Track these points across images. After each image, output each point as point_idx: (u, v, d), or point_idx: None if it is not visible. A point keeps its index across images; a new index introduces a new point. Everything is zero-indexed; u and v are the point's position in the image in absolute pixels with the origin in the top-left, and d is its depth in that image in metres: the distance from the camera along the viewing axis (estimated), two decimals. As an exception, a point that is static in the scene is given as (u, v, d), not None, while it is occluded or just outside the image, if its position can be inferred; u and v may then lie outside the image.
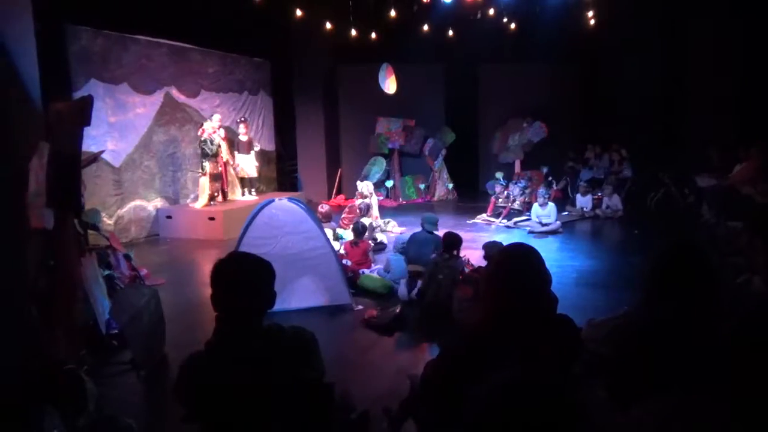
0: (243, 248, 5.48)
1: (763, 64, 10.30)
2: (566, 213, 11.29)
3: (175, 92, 10.65)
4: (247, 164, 11.36)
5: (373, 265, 7.20)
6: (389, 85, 13.07)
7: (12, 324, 3.24)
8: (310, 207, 6.83)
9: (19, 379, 2.80)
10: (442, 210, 12.72)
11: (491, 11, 10.99)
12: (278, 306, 2.15)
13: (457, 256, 5.83)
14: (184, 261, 8.62)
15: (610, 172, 12.80)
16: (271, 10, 9.83)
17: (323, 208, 8.89)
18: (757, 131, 9.17)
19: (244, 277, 2.05)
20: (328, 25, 10.82)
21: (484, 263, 5.73)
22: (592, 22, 11.02)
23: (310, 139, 14.23)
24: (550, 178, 12.89)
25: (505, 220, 10.78)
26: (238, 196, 11.29)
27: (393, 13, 10.13)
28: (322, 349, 2.23)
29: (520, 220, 10.61)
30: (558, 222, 9.95)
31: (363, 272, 6.80)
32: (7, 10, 3.44)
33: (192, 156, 10.84)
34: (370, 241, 8.00)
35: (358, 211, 9.54)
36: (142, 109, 9.93)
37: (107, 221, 8.91)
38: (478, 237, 9.12)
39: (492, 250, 5.53)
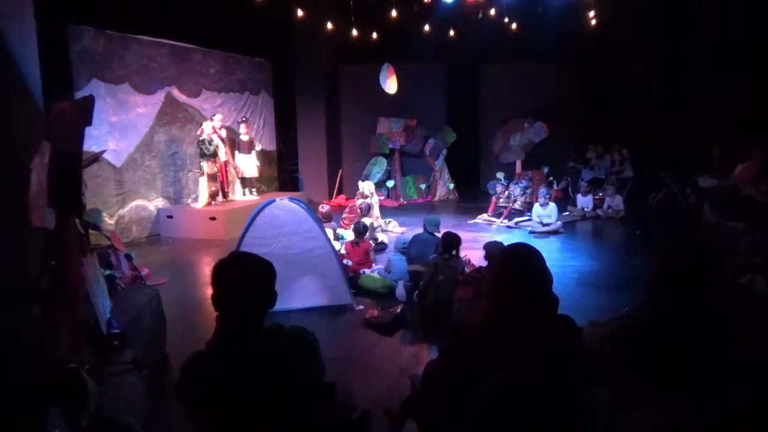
0: (244, 248, 5.48)
1: (765, 63, 10.28)
2: (567, 213, 11.28)
3: (176, 92, 10.65)
4: (248, 164, 11.37)
5: (374, 265, 7.20)
6: (390, 85, 13.07)
7: (14, 323, 3.25)
8: (311, 207, 6.83)
9: (20, 378, 2.80)
10: (443, 210, 12.72)
11: (492, 11, 10.98)
12: (279, 306, 2.15)
13: (457, 257, 5.83)
14: (185, 261, 8.62)
15: (611, 172, 12.79)
16: (272, 10, 9.83)
17: (323, 208, 8.89)
18: (759, 131, 9.15)
19: (245, 277, 2.05)
20: (330, 25, 10.82)
21: (485, 263, 5.73)
22: (594, 22, 11.01)
23: (311, 139, 14.23)
24: (551, 178, 12.89)
25: (506, 220, 10.78)
26: (239, 196, 11.29)
27: (394, 13, 10.12)
28: (323, 348, 2.23)
29: (521, 221, 10.61)
30: (559, 222, 9.94)
31: (364, 272, 6.80)
32: (8, 9, 3.44)
33: (193, 156, 10.85)
34: (371, 241, 8.00)
35: (358, 211, 9.54)
36: (144, 108, 9.94)
37: (108, 221, 8.91)
38: (479, 237, 9.12)
39: (493, 250, 5.53)
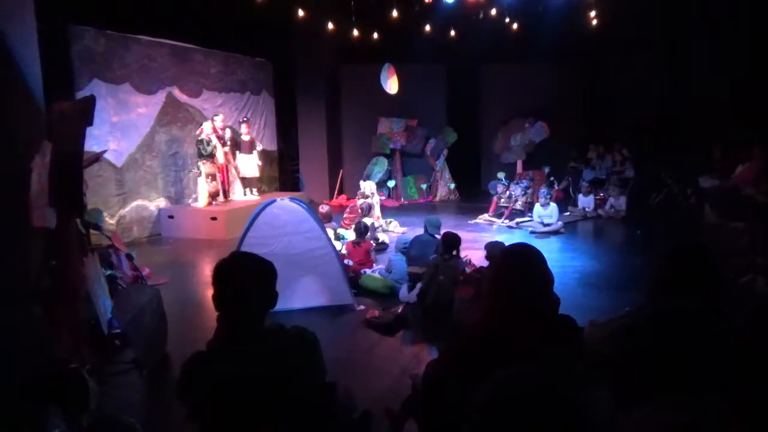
0: (245, 248, 5.49)
1: (765, 63, 10.26)
2: (568, 213, 11.28)
3: (177, 92, 10.66)
4: (249, 164, 11.38)
5: (374, 265, 7.20)
6: (391, 85, 13.08)
7: (14, 323, 3.25)
8: (312, 207, 6.83)
9: (21, 377, 2.81)
10: (443, 210, 12.72)
11: (493, 11, 10.97)
12: (280, 306, 2.15)
13: (457, 257, 5.83)
14: (186, 261, 8.63)
15: (612, 172, 12.78)
16: (273, 10, 9.83)
17: (323, 208, 8.89)
18: (759, 131, 9.14)
19: (246, 277, 2.04)
20: (330, 26, 10.82)
21: (485, 263, 5.72)
22: (595, 22, 11.00)
23: (312, 139, 14.24)
24: (552, 178, 12.89)
25: (507, 221, 10.77)
26: (240, 196, 11.30)
27: (395, 13, 10.12)
28: (323, 348, 2.23)
29: (522, 221, 10.60)
30: (560, 222, 9.94)
31: (365, 272, 6.80)
32: (9, 9, 3.45)
33: (194, 156, 10.84)
34: (372, 241, 8.00)
35: (359, 211, 9.54)
36: (145, 108, 9.94)
37: (109, 221, 8.92)
38: (480, 237, 9.12)
39: (494, 250, 5.53)
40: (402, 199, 13.92)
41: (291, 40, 13.29)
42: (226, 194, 10.89)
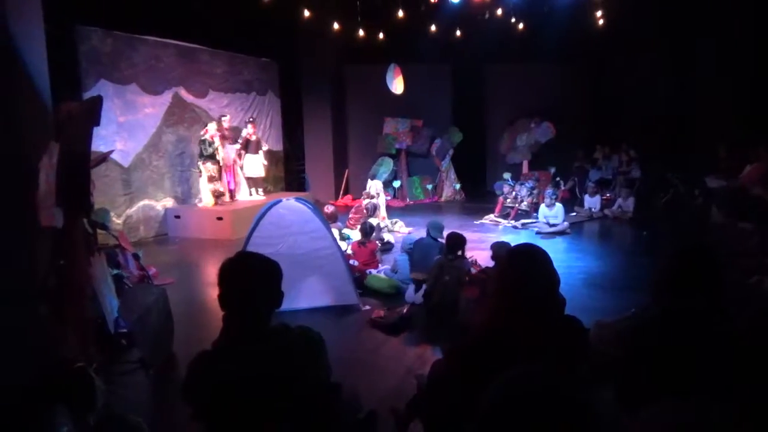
0: (250, 248, 5.49)
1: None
2: (574, 213, 11.24)
3: (183, 92, 10.70)
4: (255, 164, 11.41)
5: (380, 265, 7.20)
6: (397, 85, 13.08)
7: (22, 322, 3.27)
8: (317, 207, 6.84)
9: (28, 377, 2.82)
10: (449, 210, 12.71)
11: (499, 11, 10.96)
12: (285, 306, 2.16)
13: (463, 257, 5.82)
14: (192, 261, 8.66)
15: (618, 172, 12.74)
16: (278, 10, 9.85)
17: (328, 209, 8.88)
18: (765, 131, 9.09)
19: (252, 277, 2.05)
20: (336, 26, 10.83)
21: (491, 264, 5.71)
22: (601, 22, 10.96)
23: (318, 140, 14.26)
24: (557, 179, 12.85)
25: (512, 221, 10.75)
26: (246, 196, 11.33)
27: (401, 13, 10.13)
28: (329, 349, 2.24)
29: (527, 222, 10.56)
30: (566, 222, 9.91)
31: (370, 272, 6.80)
32: (17, 10, 3.47)
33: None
34: (377, 242, 8.00)
35: (364, 211, 9.54)
36: (151, 109, 9.98)
37: (116, 221, 8.96)
38: (486, 237, 9.10)
39: (500, 250, 5.52)
40: (407, 200, 13.91)
41: (297, 41, 13.31)
42: (232, 194, 10.92)
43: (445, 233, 6.22)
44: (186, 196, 10.83)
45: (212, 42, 11.22)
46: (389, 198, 12.88)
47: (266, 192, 11.91)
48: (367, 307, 5.97)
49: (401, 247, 7.26)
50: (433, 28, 11.39)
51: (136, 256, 6.50)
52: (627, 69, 13.54)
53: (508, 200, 11.27)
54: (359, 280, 6.53)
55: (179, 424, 3.61)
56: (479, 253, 7.14)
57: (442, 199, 14.20)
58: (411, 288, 6.25)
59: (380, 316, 5.59)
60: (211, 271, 7.86)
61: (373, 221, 8.70)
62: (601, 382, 2.17)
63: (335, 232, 7.42)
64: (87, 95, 8.22)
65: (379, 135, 14.21)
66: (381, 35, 11.55)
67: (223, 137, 10.50)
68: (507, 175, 12.49)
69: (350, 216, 9.81)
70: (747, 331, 1.88)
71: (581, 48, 13.04)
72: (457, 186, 14.35)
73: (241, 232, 7.87)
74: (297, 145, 14.44)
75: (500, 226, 10.60)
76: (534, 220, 10.49)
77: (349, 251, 7.20)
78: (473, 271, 5.84)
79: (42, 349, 3.39)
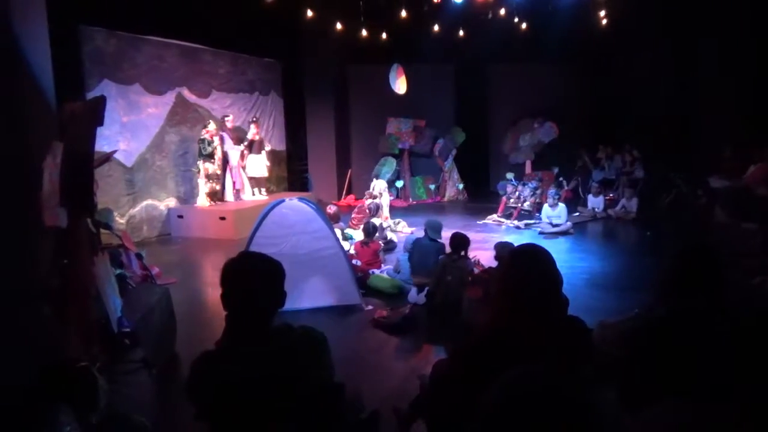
0: (253, 248, 5.50)
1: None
2: (577, 214, 11.23)
3: (186, 92, 10.72)
4: (258, 164, 11.42)
5: (383, 265, 7.20)
6: (399, 85, 13.07)
7: (25, 322, 3.28)
8: (320, 207, 6.84)
9: (31, 376, 2.83)
10: (452, 210, 12.70)
11: (502, 11, 10.94)
12: (288, 306, 2.16)
13: (466, 257, 5.81)
14: (195, 260, 8.67)
15: (622, 172, 12.71)
16: (281, 10, 9.86)
17: (331, 209, 8.89)
18: (768, 131, 9.07)
19: (255, 276, 2.05)
20: (339, 26, 10.83)
21: (494, 264, 5.71)
22: (604, 21, 10.94)
23: (321, 139, 14.26)
24: (560, 179, 12.83)
25: (515, 221, 10.74)
26: (249, 195, 11.34)
27: (403, 13, 10.12)
28: (331, 348, 2.23)
29: (530, 223, 10.54)
30: (569, 223, 9.89)
31: (373, 272, 6.80)
32: (21, 10, 3.47)
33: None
34: (380, 242, 8.00)
35: (367, 211, 9.55)
36: (154, 109, 10.00)
37: (119, 220, 8.97)
38: (489, 237, 9.10)
39: (503, 250, 5.51)
40: (410, 200, 13.91)
41: (300, 41, 13.32)
42: (238, 194, 10.94)
43: (448, 233, 6.23)
44: (189, 196, 10.84)
45: (215, 42, 11.24)
46: (392, 198, 12.88)
47: (269, 192, 11.93)
48: (370, 307, 5.97)
49: (404, 247, 7.26)
50: (436, 28, 11.38)
51: (139, 256, 6.51)
52: (630, 69, 13.50)
53: (511, 200, 11.25)
54: (362, 280, 6.53)
55: (182, 423, 3.61)
56: (482, 253, 7.14)
57: (445, 199, 14.19)
58: (414, 288, 6.25)
59: (383, 316, 5.60)
60: (213, 271, 7.87)
61: (376, 221, 8.70)
62: (604, 383, 2.17)
63: (338, 232, 7.42)
64: (90, 95, 8.24)
65: (382, 135, 14.21)
66: (384, 35, 11.54)
67: (222, 139, 10.52)
68: (510, 175, 12.47)
69: (353, 216, 9.81)
70: (749, 332, 1.87)
71: (584, 48, 13.02)
72: (460, 186, 14.33)
73: (244, 232, 7.88)
74: (300, 145, 14.45)
75: (503, 226, 10.59)
76: (537, 221, 10.48)
77: (352, 251, 7.20)
78: (476, 271, 5.85)
79: (45, 349, 3.40)
